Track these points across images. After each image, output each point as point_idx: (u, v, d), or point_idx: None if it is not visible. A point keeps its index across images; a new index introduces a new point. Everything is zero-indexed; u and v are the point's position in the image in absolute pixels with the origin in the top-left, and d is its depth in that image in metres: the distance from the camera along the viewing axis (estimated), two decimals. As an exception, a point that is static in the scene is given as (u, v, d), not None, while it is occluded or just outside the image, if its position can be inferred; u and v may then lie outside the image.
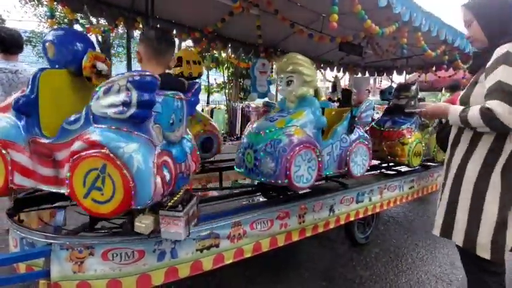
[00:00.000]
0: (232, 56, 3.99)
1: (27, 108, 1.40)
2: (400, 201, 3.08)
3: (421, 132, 3.21)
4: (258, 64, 3.42)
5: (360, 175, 2.39)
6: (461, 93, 1.46)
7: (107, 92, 1.22)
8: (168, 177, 1.33)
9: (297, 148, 1.84)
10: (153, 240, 1.44)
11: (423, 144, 3.12)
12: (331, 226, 2.35)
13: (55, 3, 2.37)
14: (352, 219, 2.52)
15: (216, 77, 14.12)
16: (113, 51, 11.17)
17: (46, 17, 8.99)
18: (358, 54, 3.63)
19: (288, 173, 1.81)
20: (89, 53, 1.55)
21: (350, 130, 2.30)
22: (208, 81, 14.34)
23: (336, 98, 3.91)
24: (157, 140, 1.32)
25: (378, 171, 3.35)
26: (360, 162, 2.37)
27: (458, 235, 1.37)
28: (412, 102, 3.14)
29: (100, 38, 9.26)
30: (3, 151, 1.39)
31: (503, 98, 1.15)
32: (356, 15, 2.03)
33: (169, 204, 1.31)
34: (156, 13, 2.64)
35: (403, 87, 3.30)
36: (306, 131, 1.96)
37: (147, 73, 1.20)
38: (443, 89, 6.74)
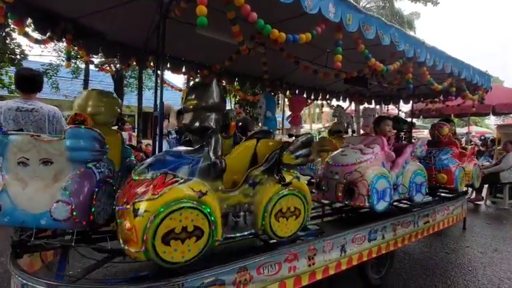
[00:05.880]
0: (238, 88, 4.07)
1: None
2: (415, 237, 2.92)
3: (211, 183, 1.53)
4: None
5: None
6: None
7: None
8: None
9: None
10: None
11: (205, 212, 1.42)
12: (343, 267, 2.22)
13: (72, 46, 2.50)
14: (365, 259, 2.39)
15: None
16: (125, 82, 11.62)
17: (64, 52, 9.52)
18: (363, 86, 3.67)
19: None
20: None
21: None
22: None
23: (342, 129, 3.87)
24: None
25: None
26: None
27: None
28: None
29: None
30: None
31: None
32: (360, 54, 2.06)
33: None
34: (166, 51, 2.75)
35: (196, 88, 1.82)
36: None
37: None
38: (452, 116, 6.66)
